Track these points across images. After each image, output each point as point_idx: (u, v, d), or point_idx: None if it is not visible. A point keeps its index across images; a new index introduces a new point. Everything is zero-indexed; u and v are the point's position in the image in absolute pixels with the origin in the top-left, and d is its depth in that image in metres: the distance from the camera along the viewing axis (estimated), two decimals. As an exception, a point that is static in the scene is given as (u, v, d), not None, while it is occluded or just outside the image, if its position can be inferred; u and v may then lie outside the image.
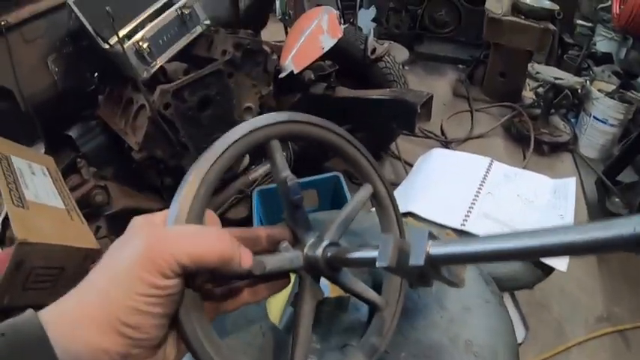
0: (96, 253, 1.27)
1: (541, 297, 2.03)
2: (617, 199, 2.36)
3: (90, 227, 1.36)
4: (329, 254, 0.53)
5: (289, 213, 0.56)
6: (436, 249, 0.40)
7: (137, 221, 0.48)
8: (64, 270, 1.19)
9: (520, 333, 1.65)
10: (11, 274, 1.07)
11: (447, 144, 2.88)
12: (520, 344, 1.64)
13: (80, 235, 1.28)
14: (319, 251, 0.53)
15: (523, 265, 1.16)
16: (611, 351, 1.91)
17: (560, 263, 1.16)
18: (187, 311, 0.45)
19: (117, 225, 1.64)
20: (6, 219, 1.15)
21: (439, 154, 1.49)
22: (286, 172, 0.56)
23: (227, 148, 0.51)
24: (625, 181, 2.45)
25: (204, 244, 0.44)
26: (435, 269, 0.42)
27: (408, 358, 0.65)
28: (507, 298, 1.72)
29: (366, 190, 0.65)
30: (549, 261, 1.15)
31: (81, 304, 0.42)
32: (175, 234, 0.45)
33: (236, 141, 0.52)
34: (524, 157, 2.77)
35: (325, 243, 0.54)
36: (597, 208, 2.47)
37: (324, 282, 0.70)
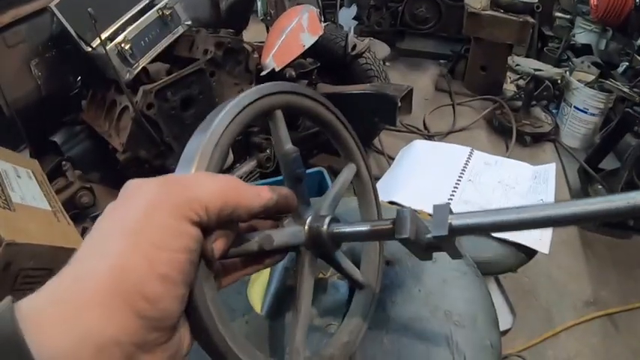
0: None
1: (528, 284, 2.06)
2: (599, 186, 2.40)
3: (76, 228, 1.36)
4: (334, 229, 0.52)
5: (291, 187, 0.53)
6: (457, 221, 0.43)
7: (134, 181, 0.38)
8: (52, 271, 1.18)
9: (507, 320, 1.67)
10: (0, 276, 1.07)
11: (429, 138, 2.91)
12: (508, 331, 1.67)
13: (67, 235, 1.27)
14: (324, 226, 0.52)
15: (506, 249, 1.17)
16: (600, 335, 1.93)
17: (542, 246, 1.17)
18: (201, 284, 0.38)
19: None
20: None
21: (420, 145, 1.51)
22: (289, 145, 0.54)
23: (240, 111, 0.49)
24: (607, 168, 2.49)
25: (227, 186, 0.39)
26: (450, 240, 0.46)
27: (390, 332, 0.66)
28: (493, 285, 1.73)
29: (350, 170, 0.66)
30: (532, 244, 1.17)
31: (79, 281, 0.32)
32: (194, 176, 0.40)
33: (246, 106, 0.49)
34: (507, 149, 2.81)
35: (329, 218, 0.52)
36: (580, 196, 2.49)
37: None
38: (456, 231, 0.43)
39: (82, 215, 1.61)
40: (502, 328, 1.64)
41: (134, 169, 1.70)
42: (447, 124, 3.07)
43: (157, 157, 1.70)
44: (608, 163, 2.52)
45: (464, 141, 2.85)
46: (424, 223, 0.48)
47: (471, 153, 1.45)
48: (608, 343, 1.90)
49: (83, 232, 1.52)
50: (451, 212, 0.44)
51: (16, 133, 1.56)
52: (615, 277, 2.17)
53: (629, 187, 2.13)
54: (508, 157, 2.66)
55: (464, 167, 1.38)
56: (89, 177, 1.74)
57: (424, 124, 3.04)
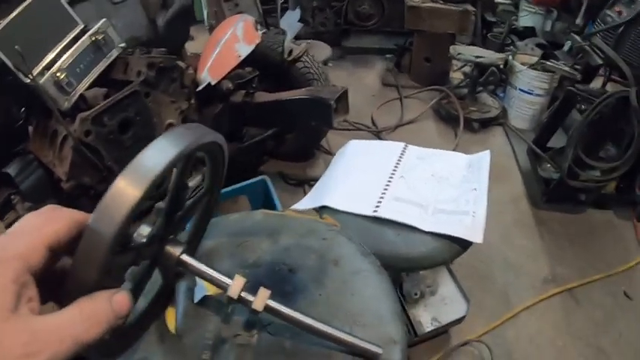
0: None
1: (483, 269, 2.09)
2: (548, 165, 2.44)
3: None
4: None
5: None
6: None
7: None
8: None
9: (462, 307, 1.68)
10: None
11: (377, 133, 2.92)
12: (463, 318, 1.68)
13: None
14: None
15: (439, 243, 1.17)
16: (561, 310, 1.97)
17: (475, 236, 1.18)
18: None
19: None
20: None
21: (354, 145, 1.51)
22: None
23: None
24: (556, 147, 2.53)
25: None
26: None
27: (292, 338, 0.67)
28: (445, 274, 1.75)
29: None
30: (464, 235, 1.18)
31: None
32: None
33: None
34: (456, 136, 2.84)
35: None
36: (531, 177, 2.55)
37: (200, 281, 0.72)
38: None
39: None
40: (456, 315, 1.68)
41: (80, 196, 1.68)
42: (395, 118, 3.08)
43: (100, 182, 1.68)
44: (559, 141, 2.55)
45: (413, 133, 2.89)
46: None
47: (404, 148, 1.46)
48: (569, 318, 1.94)
49: None
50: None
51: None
52: (571, 253, 2.21)
53: (578, 164, 2.17)
54: (457, 144, 2.72)
55: (396, 164, 1.38)
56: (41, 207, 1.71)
57: (372, 120, 3.05)
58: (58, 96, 1.59)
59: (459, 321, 1.69)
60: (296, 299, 0.71)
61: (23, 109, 1.77)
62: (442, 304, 1.69)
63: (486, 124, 2.92)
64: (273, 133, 2.20)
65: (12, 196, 1.69)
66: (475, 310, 1.77)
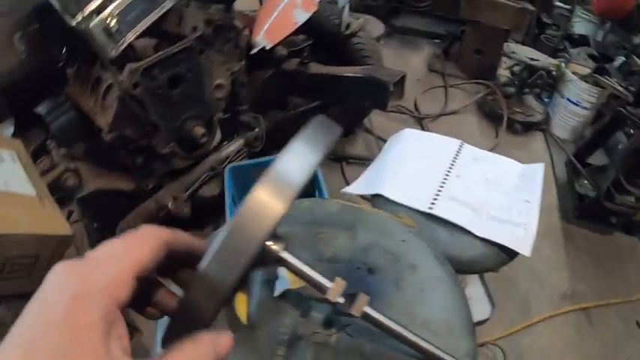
0: (69, 240, 1.26)
1: (509, 273, 2.08)
2: (585, 181, 2.40)
3: (62, 212, 1.35)
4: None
5: None
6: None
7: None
8: (38, 258, 1.20)
9: (486, 310, 1.68)
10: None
11: (420, 119, 2.87)
12: (486, 320, 1.69)
13: (53, 222, 1.26)
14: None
15: (489, 249, 1.17)
16: (574, 328, 1.97)
17: (524, 248, 1.17)
18: None
19: (89, 208, 1.63)
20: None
21: (410, 134, 1.48)
22: None
23: None
24: (595, 163, 2.50)
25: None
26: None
27: (373, 340, 0.66)
28: (475, 276, 1.75)
29: None
30: (514, 246, 1.17)
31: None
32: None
33: None
34: (497, 135, 2.80)
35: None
36: (566, 189, 2.52)
37: (282, 274, 0.70)
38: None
39: (68, 198, 1.58)
40: (481, 317, 1.68)
41: (120, 148, 1.67)
42: (438, 106, 3.03)
43: (143, 136, 1.66)
44: (596, 157, 2.53)
45: (454, 125, 2.85)
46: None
47: (460, 146, 1.44)
48: (581, 336, 1.94)
49: (69, 216, 1.51)
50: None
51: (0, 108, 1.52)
52: (593, 272, 2.20)
53: (616, 187, 2.15)
54: (497, 144, 2.68)
55: (452, 161, 1.36)
56: (74, 151, 1.70)
57: (415, 106, 3.00)
58: (106, 43, 1.53)
59: (481, 322, 1.69)
60: (375, 301, 0.70)
61: (65, 50, 1.74)
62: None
63: (528, 127, 2.86)
64: (318, 105, 2.17)
65: (48, 141, 1.67)
66: (496, 313, 1.77)
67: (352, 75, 1.83)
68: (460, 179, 1.31)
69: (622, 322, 2.01)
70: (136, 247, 0.38)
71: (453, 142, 1.45)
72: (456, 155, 1.40)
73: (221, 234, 0.39)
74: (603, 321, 2.01)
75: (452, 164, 1.35)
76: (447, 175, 1.31)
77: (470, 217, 1.21)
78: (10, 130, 1.62)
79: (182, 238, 0.42)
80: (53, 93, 1.80)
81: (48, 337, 0.32)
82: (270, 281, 0.72)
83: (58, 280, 0.35)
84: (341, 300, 0.53)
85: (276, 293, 0.71)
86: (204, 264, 0.37)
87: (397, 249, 0.76)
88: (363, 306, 0.54)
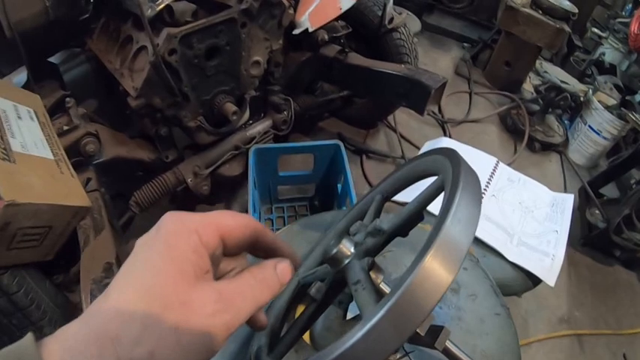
0: (86, 211, 1.20)
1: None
2: (597, 212, 2.41)
3: (79, 179, 1.28)
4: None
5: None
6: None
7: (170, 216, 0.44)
8: (51, 228, 1.12)
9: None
10: (-3, 235, 1.00)
11: (443, 123, 2.85)
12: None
13: (70, 191, 1.19)
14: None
15: (517, 274, 1.17)
16: (566, 352, 2.00)
17: (550, 278, 1.18)
18: None
19: (107, 176, 1.56)
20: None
21: (446, 144, 1.47)
22: None
23: None
24: (607, 194, 2.51)
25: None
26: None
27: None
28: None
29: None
30: (541, 275, 1.17)
31: (126, 294, 0.36)
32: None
33: None
34: (515, 151, 2.79)
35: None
36: (576, 215, 2.52)
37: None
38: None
39: (85, 163, 1.51)
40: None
41: (145, 115, 1.59)
42: (461, 111, 3.01)
43: (171, 106, 1.58)
44: (609, 190, 2.55)
45: (475, 134, 2.83)
46: None
47: (496, 165, 1.43)
48: (571, 362, 1.96)
49: (87, 184, 1.42)
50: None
51: (15, 56, 1.42)
52: (590, 301, 2.23)
53: (626, 222, 2.18)
54: (515, 159, 2.68)
55: (489, 180, 1.35)
56: (87, 105, 1.64)
57: (439, 108, 2.97)
58: (142, 0, 1.41)
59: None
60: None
61: (92, 1, 1.63)
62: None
63: (546, 147, 2.85)
64: (349, 95, 2.14)
65: (67, 99, 1.57)
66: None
67: (395, 73, 1.79)
68: (495, 199, 1.30)
69: (610, 354, 2.04)
70: (228, 217, 0.45)
71: (490, 160, 1.44)
72: (492, 173, 1.39)
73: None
74: (592, 349, 2.04)
75: (488, 182, 1.35)
76: (483, 193, 1.30)
77: (502, 240, 1.20)
78: (24, 78, 1.55)
79: (270, 234, 0.48)
80: (72, 46, 1.73)
81: (151, 259, 0.38)
82: (342, 303, 0.71)
83: (165, 222, 0.41)
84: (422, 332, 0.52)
85: (348, 317, 0.69)
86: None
87: (459, 277, 0.75)
88: (445, 340, 0.53)
